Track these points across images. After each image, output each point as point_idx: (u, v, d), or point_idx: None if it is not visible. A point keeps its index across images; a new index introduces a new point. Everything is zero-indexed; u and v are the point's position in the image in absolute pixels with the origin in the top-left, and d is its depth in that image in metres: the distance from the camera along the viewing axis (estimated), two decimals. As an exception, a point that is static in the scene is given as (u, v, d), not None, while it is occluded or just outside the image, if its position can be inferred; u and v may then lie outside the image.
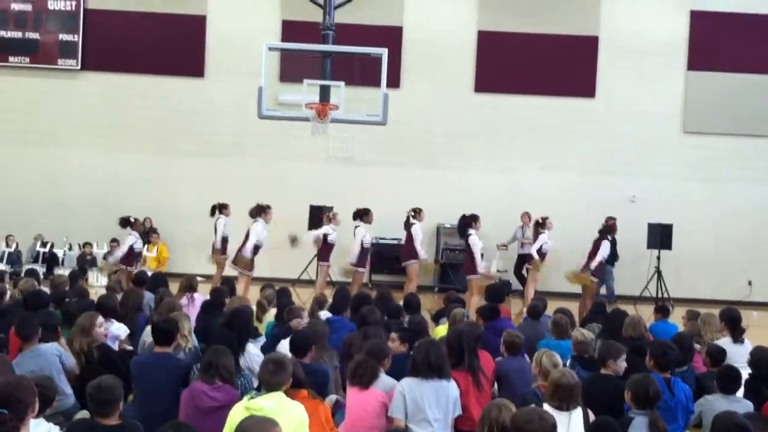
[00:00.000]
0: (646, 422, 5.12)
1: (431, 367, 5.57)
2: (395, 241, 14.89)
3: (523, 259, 14.99)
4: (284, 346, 6.84)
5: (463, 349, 6.13)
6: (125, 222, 13.54)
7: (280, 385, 4.94)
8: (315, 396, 5.39)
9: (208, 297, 9.18)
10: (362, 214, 13.52)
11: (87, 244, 16.30)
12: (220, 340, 6.25)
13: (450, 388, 5.63)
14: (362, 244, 13.42)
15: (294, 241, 13.90)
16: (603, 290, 15.15)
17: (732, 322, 8.13)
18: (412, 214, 13.62)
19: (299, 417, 4.83)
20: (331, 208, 14.82)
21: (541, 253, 13.59)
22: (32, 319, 6.54)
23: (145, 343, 7.14)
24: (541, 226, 13.71)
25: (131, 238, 13.36)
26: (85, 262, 15.95)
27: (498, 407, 4.58)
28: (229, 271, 13.32)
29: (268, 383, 4.97)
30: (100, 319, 6.81)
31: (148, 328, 7.27)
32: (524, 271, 14.88)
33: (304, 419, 4.83)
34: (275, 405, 4.77)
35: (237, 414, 4.74)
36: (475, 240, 12.73)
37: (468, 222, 13.01)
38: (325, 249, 13.61)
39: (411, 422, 5.47)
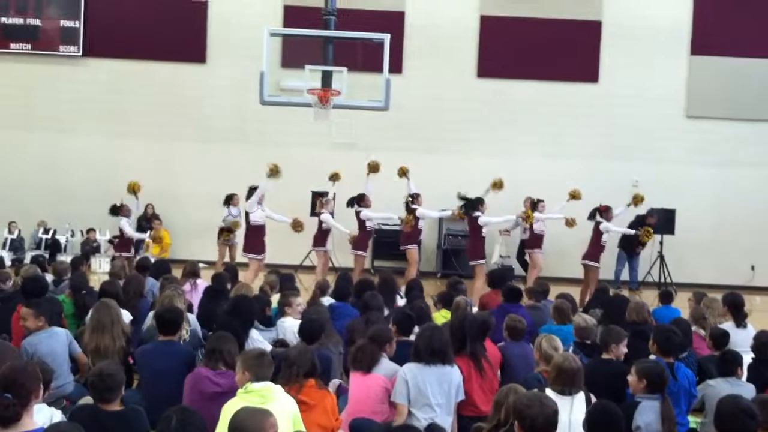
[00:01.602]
0: (655, 407, 5.11)
1: (434, 353, 5.58)
2: (397, 227, 14.86)
3: (526, 245, 14.98)
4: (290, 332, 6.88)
5: (466, 336, 6.13)
6: (114, 210, 13.40)
7: (265, 377, 4.92)
8: (322, 386, 5.40)
9: (210, 283, 9.19)
10: (359, 200, 13.51)
11: (91, 230, 16.30)
12: (224, 326, 6.28)
13: (453, 374, 5.64)
14: (367, 227, 13.43)
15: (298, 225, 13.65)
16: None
17: (734, 307, 8.13)
18: (410, 200, 13.55)
19: (292, 410, 4.82)
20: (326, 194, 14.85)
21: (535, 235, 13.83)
22: (51, 301, 6.60)
23: (148, 328, 7.13)
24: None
25: (122, 222, 13.23)
26: (90, 248, 15.94)
27: (515, 391, 4.58)
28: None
29: (256, 376, 4.92)
30: None
31: (152, 314, 7.28)
32: (526, 257, 14.88)
33: (296, 412, 4.83)
34: (276, 390, 4.80)
35: (232, 407, 4.70)
36: (485, 219, 12.74)
37: (474, 206, 13.02)
38: (320, 235, 13.62)
39: (414, 407, 5.49)
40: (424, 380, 5.51)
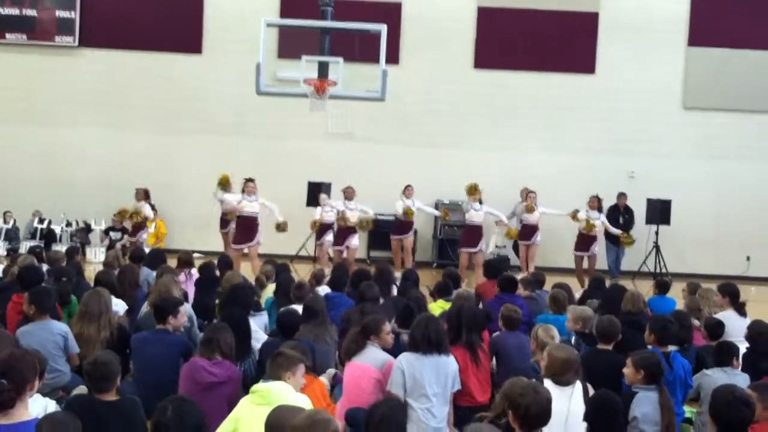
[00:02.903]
0: (652, 397, 5.11)
1: (430, 343, 5.56)
2: (393, 218, 14.86)
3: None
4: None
5: (462, 326, 6.13)
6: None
7: (276, 377, 4.88)
8: (308, 372, 5.39)
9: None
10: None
11: (69, 223, 16.28)
12: (226, 316, 6.28)
13: (449, 364, 5.62)
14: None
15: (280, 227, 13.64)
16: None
17: (733, 296, 8.12)
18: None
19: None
20: (329, 185, 14.87)
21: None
22: (49, 292, 6.58)
23: (142, 317, 7.14)
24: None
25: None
26: (79, 238, 15.90)
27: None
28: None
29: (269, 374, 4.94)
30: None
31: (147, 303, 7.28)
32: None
33: None
34: (280, 390, 4.72)
35: (243, 405, 4.65)
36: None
37: None
38: (320, 228, 13.71)
39: (410, 397, 5.46)
40: (420, 370, 5.48)
